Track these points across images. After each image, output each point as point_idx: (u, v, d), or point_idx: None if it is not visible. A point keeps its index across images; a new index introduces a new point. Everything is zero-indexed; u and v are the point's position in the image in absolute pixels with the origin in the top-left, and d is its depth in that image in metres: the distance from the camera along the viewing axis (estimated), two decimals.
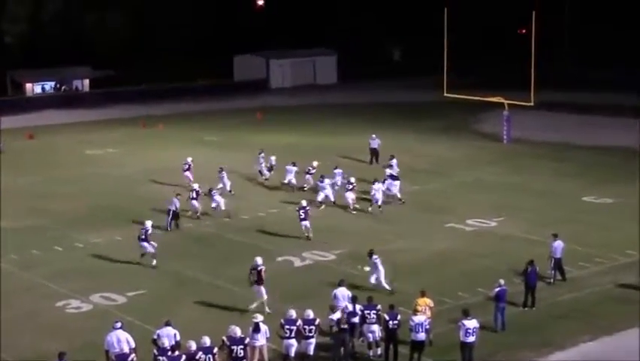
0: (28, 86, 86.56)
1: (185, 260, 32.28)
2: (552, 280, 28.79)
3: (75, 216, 38.61)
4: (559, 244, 29.19)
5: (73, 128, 66.94)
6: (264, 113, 71.89)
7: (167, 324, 22.06)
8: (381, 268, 28.31)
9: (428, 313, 23.75)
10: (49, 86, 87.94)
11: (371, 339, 23.38)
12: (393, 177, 41.07)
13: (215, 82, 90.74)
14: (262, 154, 45.49)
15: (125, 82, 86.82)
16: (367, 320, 23.31)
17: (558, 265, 29.01)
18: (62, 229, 36.70)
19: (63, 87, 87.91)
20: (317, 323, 22.43)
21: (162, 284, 29.64)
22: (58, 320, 26.43)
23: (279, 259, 32.17)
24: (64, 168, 50.00)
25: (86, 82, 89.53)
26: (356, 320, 23.29)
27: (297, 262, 31.89)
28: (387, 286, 28.04)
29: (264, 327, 22.09)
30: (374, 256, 28.44)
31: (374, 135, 50.74)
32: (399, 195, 40.38)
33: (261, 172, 44.60)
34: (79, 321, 26.33)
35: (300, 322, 22.31)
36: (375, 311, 23.36)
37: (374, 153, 50.23)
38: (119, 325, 21.90)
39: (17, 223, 37.43)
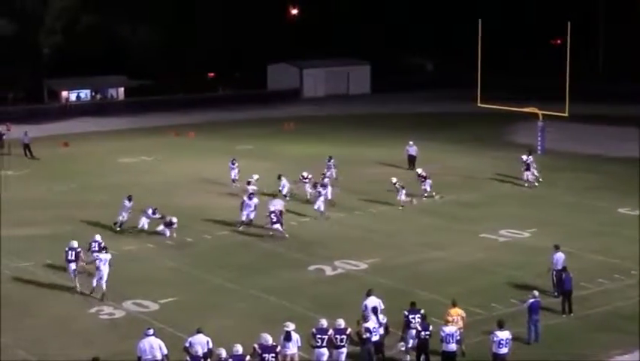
0: (64, 94, 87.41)
1: (217, 268, 32.33)
2: (556, 293, 28.40)
3: (109, 224, 38.78)
4: (560, 255, 28.87)
5: (107, 136, 67.47)
6: (296, 122, 71.95)
7: (199, 331, 22.06)
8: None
9: (460, 323, 23.58)
10: (84, 94, 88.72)
11: (410, 345, 23.26)
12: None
13: (249, 91, 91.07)
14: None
15: (159, 91, 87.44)
16: (411, 325, 23.22)
17: (559, 278, 28.29)
18: (95, 235, 36.74)
19: (98, 96, 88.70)
20: (348, 332, 22.35)
21: (194, 292, 29.70)
22: (90, 327, 26.54)
23: (311, 267, 32.14)
24: (98, 175, 50.32)
25: (121, 90, 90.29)
26: (376, 336, 23.06)
27: (329, 271, 31.83)
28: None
29: (295, 336, 22.05)
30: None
31: (411, 142, 51.06)
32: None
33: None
34: (111, 328, 26.43)
35: (331, 331, 22.24)
36: (419, 316, 23.26)
37: (411, 159, 50.59)
38: (151, 332, 21.95)
39: (51, 230, 37.69)
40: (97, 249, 30.88)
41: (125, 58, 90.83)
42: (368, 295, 24.81)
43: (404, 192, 41.49)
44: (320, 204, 39.46)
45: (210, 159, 53.67)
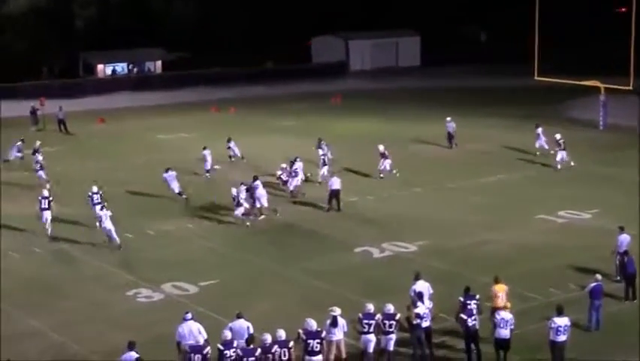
0: (100, 67, 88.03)
1: (259, 250, 32.42)
2: (619, 278, 27.99)
3: (146, 203, 39.08)
4: (625, 237, 28.42)
5: (144, 112, 67.90)
6: (342, 97, 71.77)
7: (239, 316, 22.10)
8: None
9: (505, 299, 23.37)
10: (121, 67, 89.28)
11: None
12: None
13: (293, 64, 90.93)
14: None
15: (198, 64, 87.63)
16: (468, 312, 23.04)
17: (622, 261, 27.89)
18: (133, 216, 37.15)
19: (135, 69, 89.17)
20: (397, 317, 22.26)
21: (235, 274, 29.81)
22: (128, 310, 26.76)
23: (358, 250, 32.09)
24: (135, 153, 50.67)
25: (159, 64, 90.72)
26: (427, 322, 22.93)
27: (377, 254, 31.75)
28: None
29: (341, 321, 22.01)
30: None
31: (449, 118, 50.81)
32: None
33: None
34: (149, 311, 26.63)
35: (379, 316, 22.17)
36: (475, 301, 23.07)
37: (450, 137, 50.58)
38: (189, 316, 22.04)
39: (86, 209, 38.02)
40: (98, 201, 34.85)
41: (162, 29, 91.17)
42: (416, 279, 24.68)
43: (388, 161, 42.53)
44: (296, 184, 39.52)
45: (251, 136, 53.70)
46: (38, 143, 46.67)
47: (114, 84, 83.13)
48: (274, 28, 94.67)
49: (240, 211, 35.45)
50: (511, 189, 40.85)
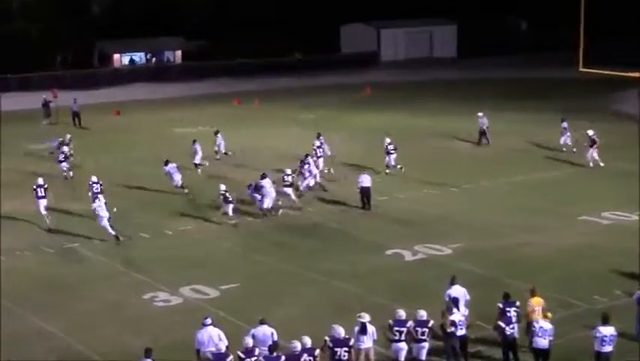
0: (116, 57, 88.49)
1: (284, 251, 32.44)
2: None
3: (163, 200, 39.21)
4: None
5: (162, 104, 68.23)
6: (372, 89, 71.71)
7: (263, 322, 22.07)
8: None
9: (541, 315, 23.21)
10: (138, 57, 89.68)
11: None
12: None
13: (320, 55, 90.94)
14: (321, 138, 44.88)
15: (221, 54, 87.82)
16: (507, 319, 22.90)
17: None
18: (149, 215, 37.33)
19: (153, 59, 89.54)
20: (431, 325, 22.18)
21: (258, 277, 29.82)
22: (145, 314, 26.84)
23: (389, 252, 32.02)
24: (152, 147, 50.86)
25: (178, 54, 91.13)
26: (462, 330, 22.83)
27: (409, 256, 31.66)
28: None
29: (371, 328, 21.94)
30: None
31: (481, 113, 50.66)
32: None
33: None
34: (167, 315, 26.69)
35: (411, 323, 22.09)
36: (515, 308, 22.94)
37: (481, 132, 50.59)
38: (208, 321, 22.05)
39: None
40: (98, 190, 36.33)
41: (182, 17, 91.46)
42: (452, 283, 24.56)
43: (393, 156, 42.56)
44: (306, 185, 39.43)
45: (276, 130, 53.79)
46: (69, 136, 47.57)
47: (131, 75, 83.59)
48: (301, 15, 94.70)
49: (229, 209, 35.67)
50: (548, 188, 40.65)
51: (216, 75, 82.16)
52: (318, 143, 43.82)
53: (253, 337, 21.52)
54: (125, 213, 37.14)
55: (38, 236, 34.54)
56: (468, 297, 24.21)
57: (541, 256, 31.30)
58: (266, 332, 21.77)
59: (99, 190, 36.77)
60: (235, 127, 56.33)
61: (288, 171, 38.73)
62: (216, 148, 47.64)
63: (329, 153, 43.94)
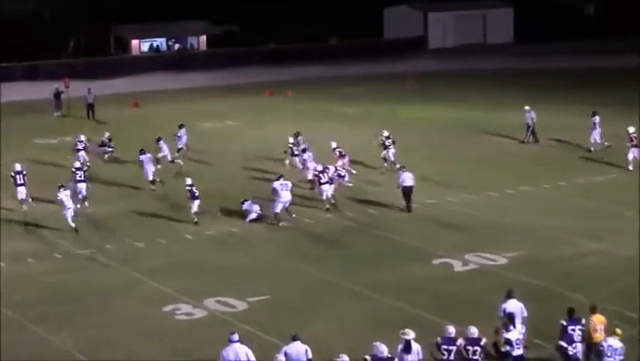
0: (135, 44, 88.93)
1: (318, 259, 32.45)
2: None
3: (184, 203, 39.28)
4: None
5: (185, 95, 68.45)
6: (418, 79, 71.59)
7: (295, 339, 22.08)
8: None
9: (603, 333, 23.03)
10: (159, 43, 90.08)
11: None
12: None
13: (361, 40, 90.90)
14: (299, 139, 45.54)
15: (250, 40, 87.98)
16: (570, 338, 22.72)
17: None
18: (167, 217, 37.48)
19: (176, 46, 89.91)
20: (483, 343, 22.10)
21: (291, 289, 29.84)
22: (165, 329, 26.91)
23: (436, 261, 31.95)
24: (173, 143, 50.94)
25: (203, 39, 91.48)
26: (519, 350, 22.68)
27: (458, 266, 31.57)
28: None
29: (415, 346, 21.88)
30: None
31: (528, 107, 50.44)
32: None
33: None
34: (190, 330, 26.75)
35: (461, 341, 22.02)
36: (580, 327, 22.77)
37: (528, 128, 50.46)
38: (235, 337, 22.06)
39: (114, 208, 38.42)
40: (81, 178, 38.80)
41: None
42: (508, 297, 24.45)
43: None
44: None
45: (310, 124, 53.83)
46: (107, 134, 48.63)
47: (151, 63, 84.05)
48: None
49: (194, 205, 36.38)
50: (609, 191, 40.37)
51: (244, 63, 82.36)
52: (291, 140, 44.69)
53: (285, 355, 21.55)
54: (142, 217, 37.42)
55: (51, 241, 34.77)
56: (525, 313, 24.07)
57: (607, 266, 31.10)
58: (299, 349, 21.78)
59: (83, 178, 39.02)
60: (267, 121, 56.47)
61: (319, 168, 39.08)
62: (179, 145, 47.94)
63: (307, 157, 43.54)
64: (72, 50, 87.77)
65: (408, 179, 37.92)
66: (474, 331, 22.20)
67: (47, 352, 25.25)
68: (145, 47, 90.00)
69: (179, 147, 47.61)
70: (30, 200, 38.39)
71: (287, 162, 44.16)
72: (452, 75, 76.37)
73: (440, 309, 27.22)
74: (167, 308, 28.23)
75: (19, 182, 38.44)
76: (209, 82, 74.74)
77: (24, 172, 38.80)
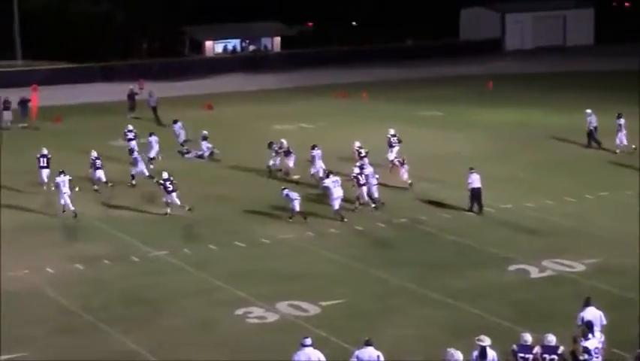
0: (209, 45, 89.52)
1: (393, 264, 32.42)
2: None
3: (260, 206, 39.52)
4: None
5: (259, 97, 68.77)
6: (495, 81, 71.17)
7: (368, 344, 22.10)
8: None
9: None
10: (232, 45, 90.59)
11: None
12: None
13: (436, 42, 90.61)
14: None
15: (324, 41, 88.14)
16: None
17: None
18: (244, 221, 37.76)
19: (250, 47, 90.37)
20: (560, 351, 21.92)
21: (364, 293, 29.86)
22: (237, 332, 27.10)
23: (512, 267, 31.78)
24: (247, 145, 51.28)
25: (277, 40, 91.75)
26: (598, 359, 22.43)
27: (535, 273, 31.36)
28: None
29: (491, 353, 21.78)
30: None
31: (589, 111, 49.96)
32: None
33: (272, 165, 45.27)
34: (262, 334, 26.91)
35: (537, 349, 21.87)
36: None
37: (589, 133, 49.96)
38: (308, 341, 22.13)
39: (189, 212, 38.75)
40: (100, 166, 41.89)
41: (281, 0, 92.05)
42: (586, 305, 24.22)
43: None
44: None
45: (382, 127, 53.72)
46: (205, 132, 49.58)
47: (224, 64, 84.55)
48: None
49: (171, 198, 38.09)
50: None
51: (319, 64, 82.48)
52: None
53: (357, 359, 21.60)
54: (218, 220, 37.72)
55: (128, 244, 35.16)
56: (604, 321, 23.82)
57: None
58: (372, 354, 21.81)
59: (100, 166, 41.98)
60: (343, 124, 56.54)
61: (356, 170, 39.44)
62: (180, 140, 50.08)
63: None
64: (146, 51, 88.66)
65: (476, 180, 37.95)
66: (551, 339, 22.03)
67: (120, 353, 25.57)
68: (219, 48, 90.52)
69: (182, 140, 50.21)
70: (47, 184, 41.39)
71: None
72: (529, 78, 75.75)
73: (516, 316, 27.09)
74: (239, 312, 28.40)
75: (42, 165, 42.26)
76: (283, 83, 74.99)
77: (49, 156, 42.53)
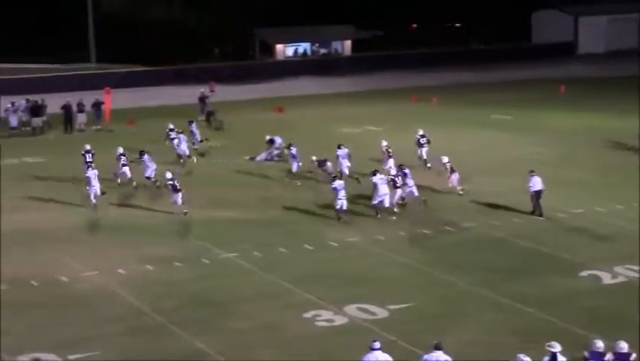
0: (279, 48, 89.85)
1: (462, 268, 32.27)
2: None
3: (325, 209, 39.56)
4: None
5: (329, 100, 68.94)
6: (567, 85, 70.57)
7: (438, 348, 22.05)
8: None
9: None
10: (303, 48, 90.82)
11: None
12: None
13: (508, 45, 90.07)
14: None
15: (394, 44, 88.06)
16: None
17: None
18: (311, 224, 37.86)
19: (320, 50, 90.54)
20: (632, 358, 21.68)
21: (433, 297, 29.78)
22: (305, 335, 27.13)
23: (583, 273, 31.48)
24: (315, 147, 51.28)
25: (348, 44, 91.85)
26: None
27: (607, 279, 31.04)
28: None
29: (562, 359, 21.63)
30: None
31: None
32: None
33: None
34: (330, 337, 26.92)
35: (609, 356, 21.65)
36: None
37: None
38: (377, 345, 22.14)
39: (260, 215, 38.95)
40: (126, 163, 43.69)
41: (352, 3, 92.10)
42: None
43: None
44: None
45: (457, 132, 53.63)
46: (280, 139, 50.20)
47: (294, 67, 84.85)
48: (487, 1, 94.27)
49: (175, 198, 38.62)
50: None
51: (389, 68, 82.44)
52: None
53: None
54: (287, 223, 37.85)
55: (198, 246, 35.40)
56: None
57: None
58: (440, 358, 21.75)
59: (126, 163, 43.64)
60: (410, 128, 56.24)
61: (393, 172, 40.15)
62: (194, 141, 51.25)
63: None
64: (217, 54, 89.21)
65: (537, 183, 37.86)
66: (623, 346, 21.82)
67: (189, 354, 25.75)
68: (289, 51, 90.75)
69: (199, 140, 51.46)
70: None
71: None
72: (602, 82, 74.99)
73: (587, 322, 26.82)
74: (308, 315, 28.46)
75: (88, 160, 43.72)
76: (353, 87, 75.04)
77: (93, 152, 44.59)
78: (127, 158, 44.08)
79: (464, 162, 45.86)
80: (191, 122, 52.90)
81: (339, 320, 28.06)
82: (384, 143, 45.34)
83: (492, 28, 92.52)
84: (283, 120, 61.12)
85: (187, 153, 48.63)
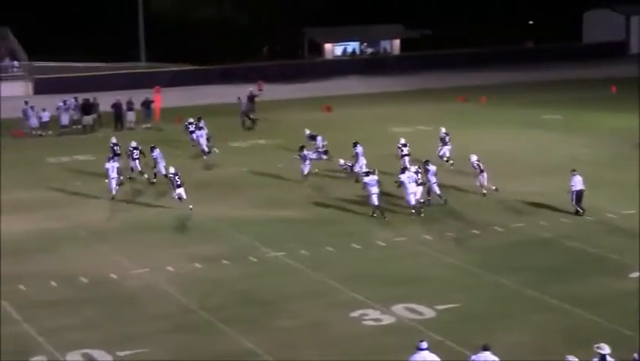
0: (328, 47, 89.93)
1: (510, 269, 32.14)
2: None
3: (371, 208, 39.57)
4: None
5: (378, 100, 68.90)
6: (619, 85, 70.00)
7: (486, 349, 21.98)
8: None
9: None
10: (352, 47, 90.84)
11: None
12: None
13: (558, 44, 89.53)
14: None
15: (443, 44, 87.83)
16: None
17: None
18: (361, 223, 37.86)
19: (369, 49, 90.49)
20: None
21: (481, 298, 29.69)
22: (352, 334, 27.14)
23: (634, 274, 31.19)
24: (364, 147, 51.33)
25: (396, 43, 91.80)
26: None
27: None
28: None
29: None
30: None
31: None
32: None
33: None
34: (377, 336, 26.93)
35: None
36: None
37: None
38: (424, 345, 22.10)
39: (307, 213, 39.04)
40: (137, 157, 45.08)
41: (401, 2, 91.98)
42: None
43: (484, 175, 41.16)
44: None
45: (505, 132, 53.41)
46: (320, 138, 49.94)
47: (342, 66, 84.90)
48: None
49: (178, 193, 39.06)
50: None
51: (438, 67, 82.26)
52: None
53: None
54: (334, 222, 37.92)
55: (245, 244, 35.56)
56: None
57: None
58: (488, 359, 21.67)
59: (137, 157, 45.20)
60: (459, 127, 56.15)
61: (413, 169, 39.90)
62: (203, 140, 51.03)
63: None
64: (266, 53, 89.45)
65: (579, 183, 37.79)
66: None
67: (237, 353, 25.85)
68: (338, 50, 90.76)
69: (206, 137, 51.02)
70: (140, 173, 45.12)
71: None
72: None
73: (636, 324, 26.59)
74: (355, 314, 28.47)
75: (135, 156, 45.16)
76: (402, 86, 74.94)
77: (140, 148, 45.44)
78: (139, 152, 45.36)
79: (513, 162, 45.81)
80: (199, 119, 53.11)
81: (387, 320, 28.05)
82: (402, 140, 46.45)
83: (543, 28, 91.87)
84: (331, 119, 61.17)
85: (206, 148, 49.35)
